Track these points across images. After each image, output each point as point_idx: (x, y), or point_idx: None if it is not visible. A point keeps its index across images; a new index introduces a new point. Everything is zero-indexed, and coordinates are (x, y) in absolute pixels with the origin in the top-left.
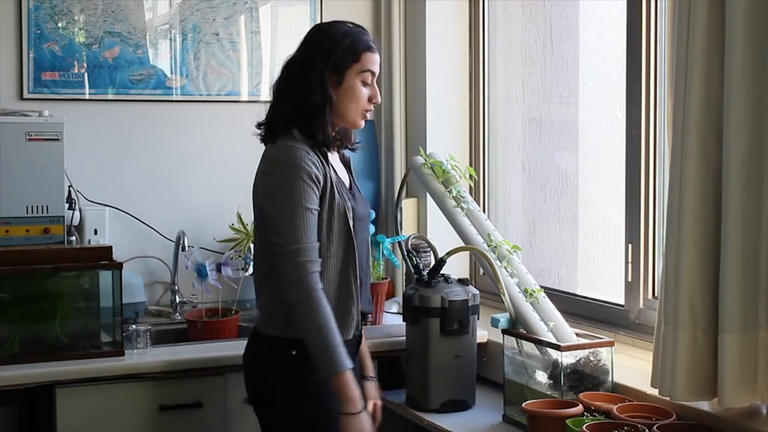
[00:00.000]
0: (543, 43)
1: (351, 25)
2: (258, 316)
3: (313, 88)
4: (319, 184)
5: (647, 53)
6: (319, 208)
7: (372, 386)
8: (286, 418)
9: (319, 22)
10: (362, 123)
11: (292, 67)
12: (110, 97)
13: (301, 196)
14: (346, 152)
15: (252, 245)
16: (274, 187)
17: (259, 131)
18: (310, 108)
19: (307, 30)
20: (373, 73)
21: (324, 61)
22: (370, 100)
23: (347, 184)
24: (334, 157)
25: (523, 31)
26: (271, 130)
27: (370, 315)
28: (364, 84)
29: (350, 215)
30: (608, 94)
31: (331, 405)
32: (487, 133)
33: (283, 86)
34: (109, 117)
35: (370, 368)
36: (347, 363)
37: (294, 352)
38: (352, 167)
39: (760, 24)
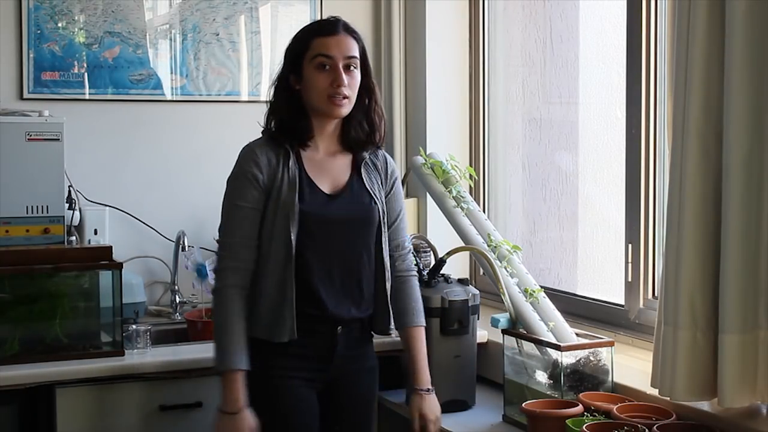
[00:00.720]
0: (543, 43)
1: (318, 21)
2: None
3: (278, 89)
4: (261, 183)
5: (647, 53)
6: (255, 206)
7: (417, 399)
8: (259, 417)
9: None
10: (335, 109)
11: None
12: (110, 97)
13: (233, 193)
14: (381, 153)
15: None
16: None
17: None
18: (274, 110)
19: None
20: (327, 56)
21: (288, 59)
22: (333, 84)
23: (330, 186)
24: (333, 158)
25: (523, 31)
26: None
27: (392, 325)
28: (321, 68)
29: (293, 217)
30: (608, 94)
31: (278, 403)
32: (487, 133)
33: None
34: (109, 117)
35: (418, 380)
36: (235, 363)
37: (255, 352)
38: (369, 170)
39: (760, 24)
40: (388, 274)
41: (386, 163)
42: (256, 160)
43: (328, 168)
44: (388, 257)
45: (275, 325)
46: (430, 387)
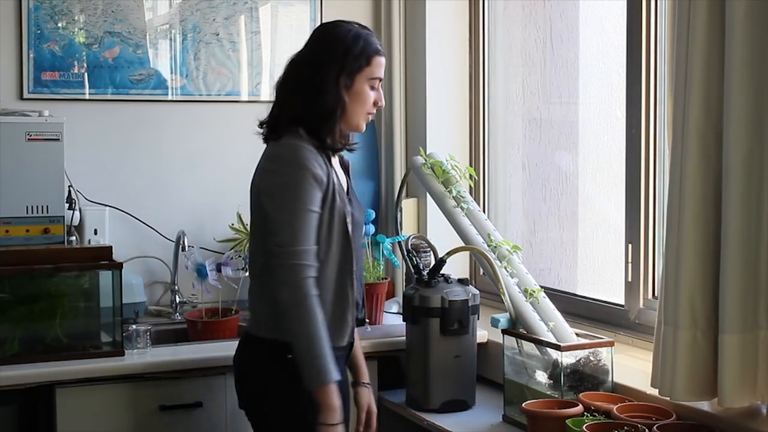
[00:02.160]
0: (543, 43)
1: (358, 26)
2: (249, 317)
3: (327, 91)
4: (323, 186)
5: (647, 53)
6: (321, 211)
7: (366, 393)
8: (283, 426)
9: (319, 21)
10: (364, 127)
11: (300, 67)
12: (110, 97)
13: (305, 197)
14: (345, 155)
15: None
16: (278, 186)
17: (261, 130)
18: (322, 111)
19: (309, 29)
20: (380, 79)
21: (338, 64)
22: (374, 104)
23: (345, 188)
24: (334, 161)
25: (523, 31)
26: (275, 128)
27: (367, 321)
28: (372, 88)
29: (349, 220)
30: (608, 94)
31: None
32: (487, 133)
33: (291, 86)
34: (109, 117)
35: (365, 374)
36: (334, 374)
37: (290, 356)
38: (350, 171)
39: (760, 24)
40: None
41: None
42: (317, 161)
43: (338, 171)
44: None
45: (337, 330)
46: (368, 381)
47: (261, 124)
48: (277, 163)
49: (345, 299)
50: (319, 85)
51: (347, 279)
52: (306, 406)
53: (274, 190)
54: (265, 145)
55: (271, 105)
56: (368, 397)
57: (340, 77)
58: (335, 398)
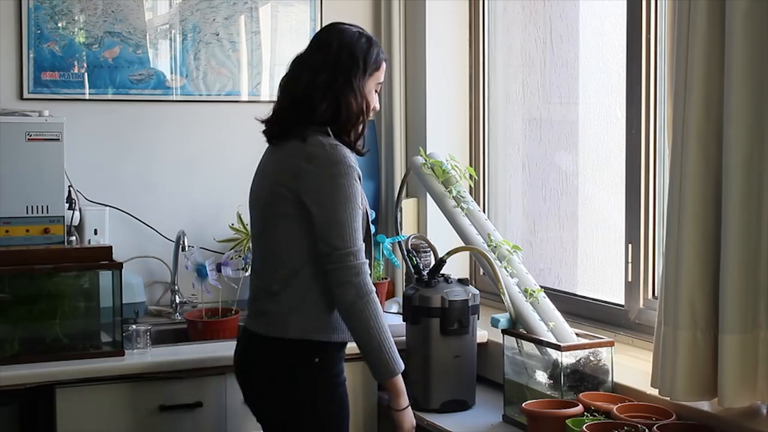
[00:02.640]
0: (543, 43)
1: (362, 30)
2: (264, 320)
3: (356, 94)
4: (361, 184)
5: (647, 53)
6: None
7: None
8: (304, 424)
9: (320, 21)
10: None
11: (321, 69)
12: (110, 97)
13: (356, 197)
14: None
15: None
16: (328, 187)
17: (264, 128)
18: (352, 114)
19: (309, 29)
20: (381, 84)
21: (360, 68)
22: (374, 110)
23: None
24: None
25: (523, 31)
26: (289, 128)
27: None
28: (376, 92)
29: (369, 219)
30: (608, 94)
31: (347, 403)
32: (487, 133)
33: (315, 87)
34: (109, 117)
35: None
36: (401, 363)
37: (317, 359)
38: None
39: (760, 24)
40: None
41: None
42: (355, 161)
43: None
44: None
45: None
46: None
47: (266, 123)
48: (322, 164)
49: None
50: (349, 88)
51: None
52: (342, 407)
53: (325, 191)
54: (267, 145)
55: (272, 104)
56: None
57: (363, 80)
58: (403, 384)
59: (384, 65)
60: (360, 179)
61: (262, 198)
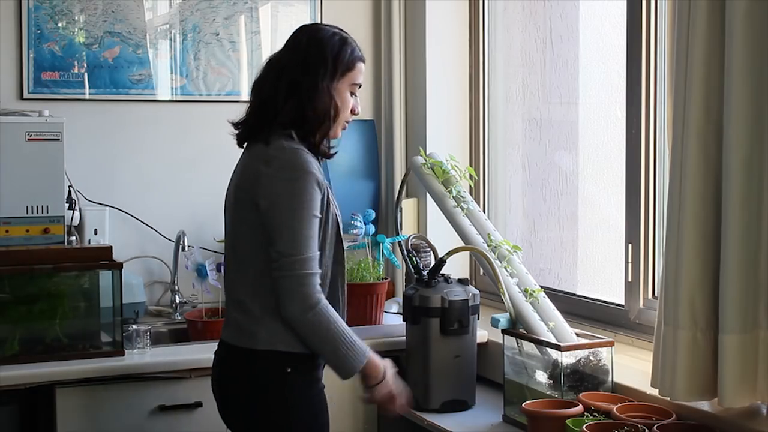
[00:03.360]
0: (543, 43)
1: (339, 30)
2: (235, 330)
3: (322, 95)
4: (323, 190)
5: (647, 53)
6: (321, 216)
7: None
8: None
9: (320, 21)
10: (340, 134)
11: (289, 69)
12: (110, 97)
13: (311, 204)
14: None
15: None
16: (282, 191)
17: (236, 131)
18: (317, 115)
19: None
20: (360, 85)
21: (329, 68)
22: (351, 111)
23: None
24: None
25: (523, 31)
26: (258, 130)
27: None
28: (352, 94)
29: (340, 222)
30: (608, 94)
31: (326, 410)
32: (487, 133)
33: (281, 88)
34: (109, 117)
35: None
36: (366, 353)
37: (289, 370)
38: (327, 171)
39: (760, 24)
40: None
41: None
42: (316, 165)
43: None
44: None
45: None
46: None
47: (236, 125)
48: (278, 168)
49: (336, 302)
50: (314, 89)
51: (339, 281)
52: (315, 414)
53: (280, 196)
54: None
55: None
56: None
57: (332, 81)
58: (376, 362)
59: (360, 65)
60: (320, 186)
61: (228, 204)
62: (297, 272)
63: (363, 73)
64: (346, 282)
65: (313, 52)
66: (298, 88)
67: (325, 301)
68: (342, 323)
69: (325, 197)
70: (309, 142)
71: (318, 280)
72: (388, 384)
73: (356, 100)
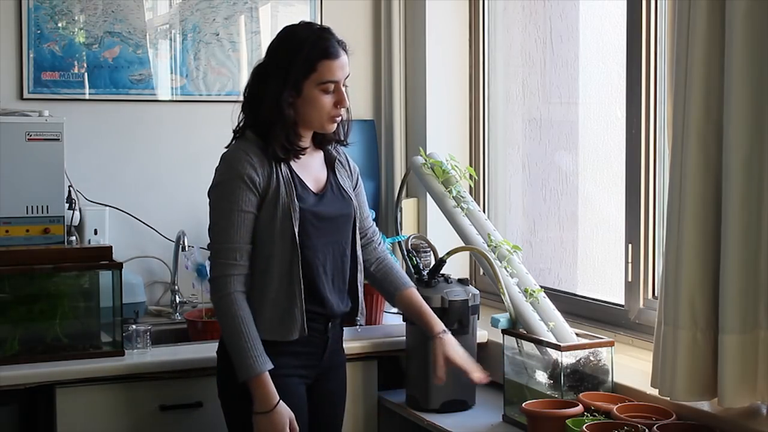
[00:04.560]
0: (543, 43)
1: (311, 29)
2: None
3: (267, 102)
4: (258, 186)
5: (647, 53)
6: (255, 211)
7: (440, 342)
8: (234, 419)
9: (320, 21)
10: (332, 127)
11: (252, 76)
12: (110, 97)
13: (232, 198)
14: (340, 149)
15: None
16: (214, 187)
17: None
18: (264, 121)
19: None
20: (334, 81)
21: (282, 75)
22: (336, 105)
23: (314, 184)
24: (310, 157)
25: (523, 31)
26: (236, 134)
27: (359, 317)
28: (326, 92)
29: (295, 216)
30: (608, 94)
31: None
32: (487, 133)
33: (246, 94)
34: (109, 117)
35: (433, 326)
36: (257, 368)
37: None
38: (338, 167)
39: (760, 24)
40: (360, 267)
41: (348, 160)
42: (252, 163)
43: (309, 167)
44: (360, 250)
45: (284, 325)
46: (444, 329)
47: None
48: (218, 166)
49: (292, 295)
50: (262, 96)
51: (294, 274)
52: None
53: (211, 190)
54: None
55: None
56: (440, 347)
57: (284, 88)
58: (266, 386)
59: (326, 63)
60: (251, 182)
61: None
62: (214, 260)
63: (333, 70)
64: (318, 277)
65: (272, 59)
66: (250, 96)
67: (233, 296)
68: (242, 325)
69: (271, 192)
70: (264, 144)
71: (234, 271)
72: (273, 423)
73: (339, 95)
